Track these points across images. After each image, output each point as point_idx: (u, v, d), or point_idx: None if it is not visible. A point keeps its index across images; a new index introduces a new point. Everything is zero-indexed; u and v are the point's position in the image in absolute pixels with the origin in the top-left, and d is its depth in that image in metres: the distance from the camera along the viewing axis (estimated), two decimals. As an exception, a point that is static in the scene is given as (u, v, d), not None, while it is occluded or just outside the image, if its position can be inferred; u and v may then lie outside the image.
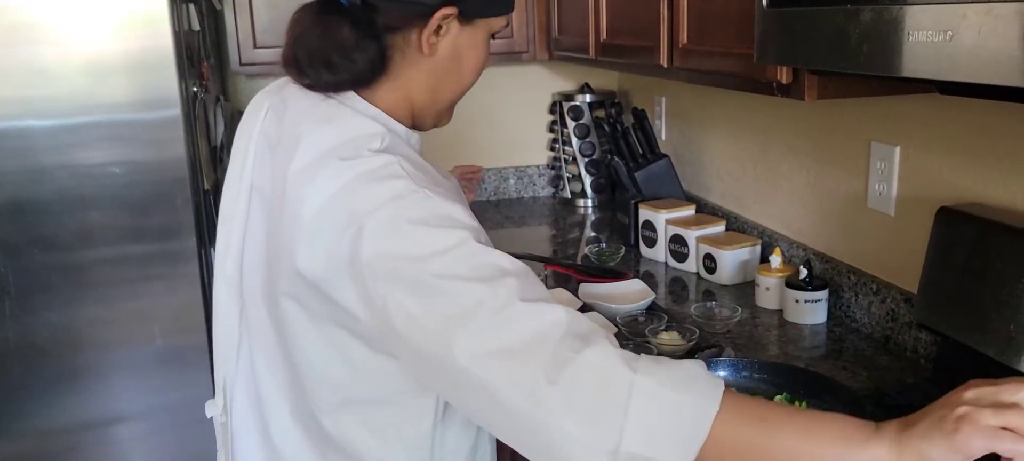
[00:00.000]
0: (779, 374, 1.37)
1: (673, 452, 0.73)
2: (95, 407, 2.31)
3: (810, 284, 1.86)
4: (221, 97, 2.77)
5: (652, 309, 1.92)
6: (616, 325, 1.82)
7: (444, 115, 1.15)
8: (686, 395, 0.76)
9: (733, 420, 0.76)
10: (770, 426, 0.77)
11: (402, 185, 0.90)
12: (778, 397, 1.32)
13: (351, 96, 1.04)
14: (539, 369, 0.76)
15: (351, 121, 1.00)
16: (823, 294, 1.87)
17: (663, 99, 2.82)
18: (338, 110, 1.02)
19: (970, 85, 0.94)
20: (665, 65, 1.85)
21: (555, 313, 0.80)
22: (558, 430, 0.75)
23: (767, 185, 2.22)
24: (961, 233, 1.44)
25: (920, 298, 1.51)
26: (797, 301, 1.87)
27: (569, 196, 3.14)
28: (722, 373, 1.40)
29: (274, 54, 2.74)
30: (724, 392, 0.77)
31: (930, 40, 0.94)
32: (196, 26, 2.36)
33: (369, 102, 1.04)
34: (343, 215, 0.89)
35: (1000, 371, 1.33)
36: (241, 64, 2.67)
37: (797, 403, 1.31)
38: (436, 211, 0.88)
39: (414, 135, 1.11)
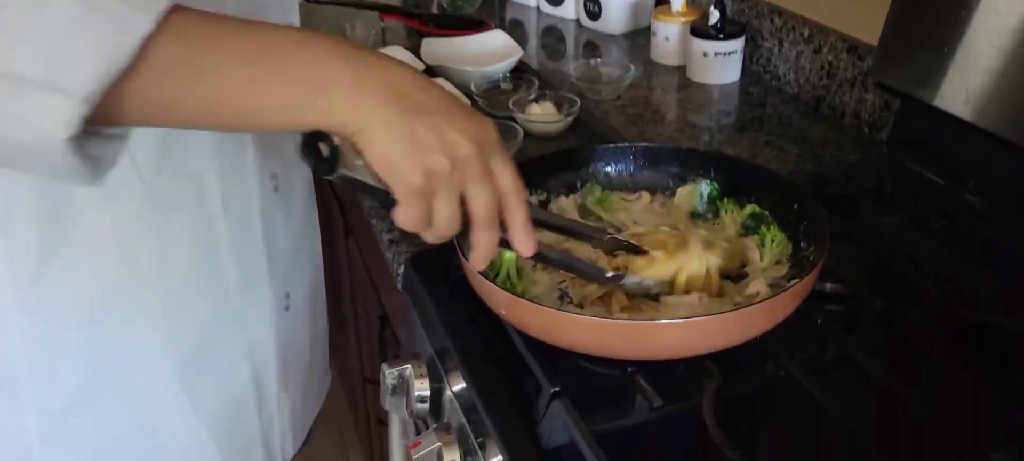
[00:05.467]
0: (691, 163, 0.96)
1: (81, 74, 0.52)
2: None
3: (722, 31, 1.43)
4: None
5: (519, 71, 1.46)
6: (470, 96, 1.35)
7: None
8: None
9: (172, 42, 0.54)
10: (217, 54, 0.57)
11: None
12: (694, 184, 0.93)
13: None
14: None
15: None
16: (738, 44, 1.44)
17: None
18: None
19: None
20: None
21: None
22: None
23: (665, -99, 1.72)
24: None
25: (883, 47, 1.10)
26: (705, 54, 1.44)
27: (421, -73, 2.54)
28: (612, 168, 0.97)
29: None
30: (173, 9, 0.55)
31: None
32: None
33: None
34: None
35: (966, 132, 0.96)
36: None
37: (722, 201, 0.92)
38: None
39: None
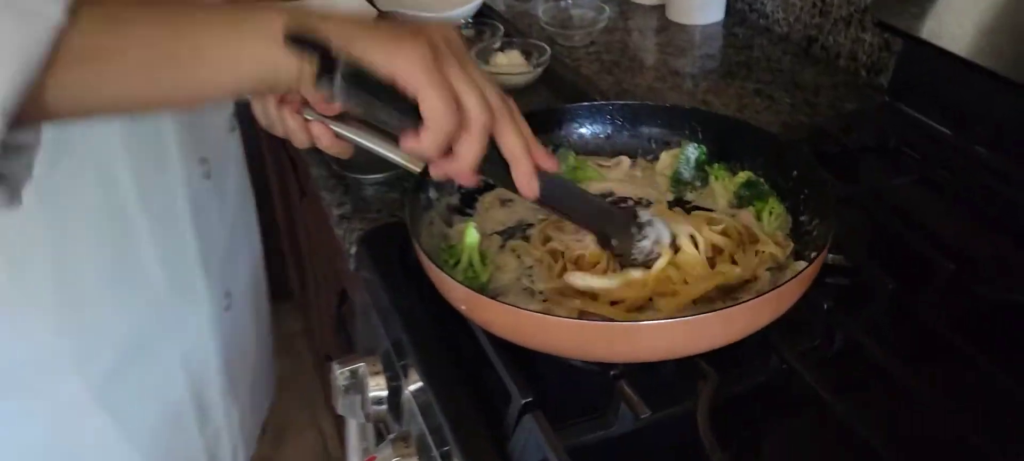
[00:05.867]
0: (675, 122, 0.85)
1: None
2: None
3: (704, -34, 1.31)
4: None
5: (482, 17, 1.33)
6: (429, 45, 1.23)
7: None
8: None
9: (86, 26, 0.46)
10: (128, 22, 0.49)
11: None
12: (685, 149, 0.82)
13: None
14: None
15: None
16: (721, -20, 1.32)
17: None
18: None
19: None
20: None
21: None
22: None
23: None
24: None
25: (885, -16, 0.99)
26: (686, -8, 1.32)
27: None
28: (587, 130, 0.86)
29: None
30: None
31: None
32: None
33: None
34: None
35: (975, 76, 0.86)
36: None
37: (712, 167, 0.81)
38: None
39: None
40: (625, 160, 0.85)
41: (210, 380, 0.83)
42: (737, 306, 0.61)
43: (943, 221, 0.82)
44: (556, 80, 1.17)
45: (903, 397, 0.66)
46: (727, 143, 0.82)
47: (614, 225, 0.69)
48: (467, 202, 0.82)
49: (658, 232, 0.69)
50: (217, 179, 0.81)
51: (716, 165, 0.82)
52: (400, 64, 0.52)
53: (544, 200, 0.63)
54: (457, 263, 0.71)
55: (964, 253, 0.75)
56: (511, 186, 0.61)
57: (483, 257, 0.72)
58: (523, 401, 0.63)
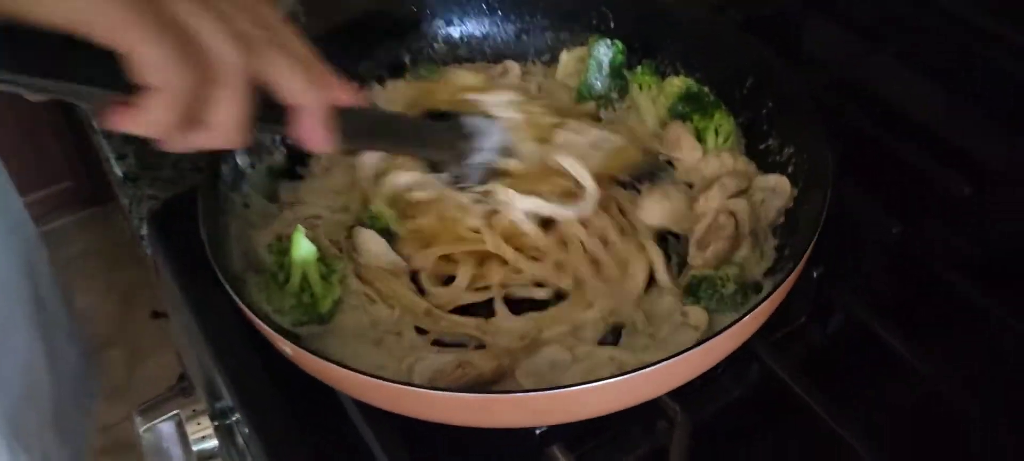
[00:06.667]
0: (577, 7, 0.61)
1: None
2: None
3: None
4: None
5: None
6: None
7: None
8: None
9: None
10: None
11: None
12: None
13: None
14: None
15: None
16: None
17: None
18: None
19: None
20: None
21: None
22: None
23: None
24: None
25: None
26: None
27: None
28: (456, 30, 0.62)
29: None
30: None
31: None
32: None
33: None
34: None
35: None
36: None
37: (634, 72, 0.59)
38: None
39: None
40: (513, 67, 0.62)
41: None
42: (710, 341, 0.40)
43: (934, 115, 0.63)
44: None
45: (923, 396, 0.49)
46: (651, 34, 0.60)
47: (437, 144, 0.53)
48: (298, 157, 0.57)
49: (493, 140, 0.53)
50: None
51: (639, 68, 0.59)
52: (85, 8, 0.33)
53: (346, 146, 0.47)
54: (286, 281, 0.48)
55: (975, 164, 0.57)
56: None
57: (330, 268, 0.48)
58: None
